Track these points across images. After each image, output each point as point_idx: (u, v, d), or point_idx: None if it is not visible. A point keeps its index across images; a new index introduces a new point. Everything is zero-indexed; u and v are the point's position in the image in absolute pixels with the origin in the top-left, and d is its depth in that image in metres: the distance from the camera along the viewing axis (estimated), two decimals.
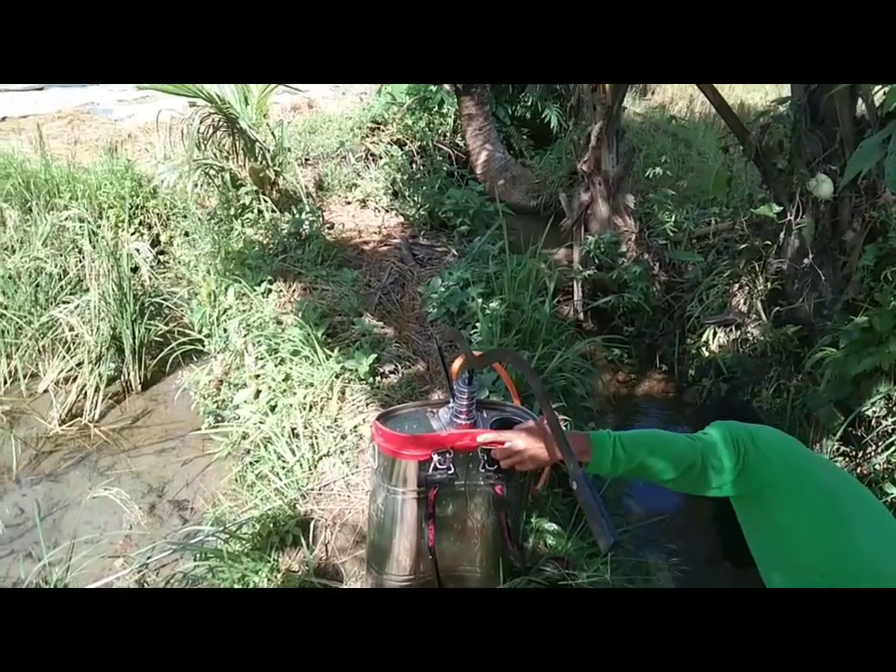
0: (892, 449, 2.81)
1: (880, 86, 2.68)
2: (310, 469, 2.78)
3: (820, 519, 1.20)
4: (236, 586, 2.21)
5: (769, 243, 3.82)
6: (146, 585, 2.44)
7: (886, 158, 1.62)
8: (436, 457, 1.61)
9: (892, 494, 2.70)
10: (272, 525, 2.43)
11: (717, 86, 3.94)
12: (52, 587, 2.33)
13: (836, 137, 3.28)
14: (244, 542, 2.43)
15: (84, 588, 2.40)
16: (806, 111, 3.41)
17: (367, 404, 3.07)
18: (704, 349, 3.96)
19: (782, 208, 3.58)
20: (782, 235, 3.68)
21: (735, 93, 9.66)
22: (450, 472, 1.63)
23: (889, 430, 2.89)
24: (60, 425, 3.44)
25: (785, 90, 3.61)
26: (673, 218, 4.73)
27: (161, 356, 3.82)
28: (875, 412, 2.92)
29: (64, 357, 3.68)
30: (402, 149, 6.31)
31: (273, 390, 3.17)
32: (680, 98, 9.33)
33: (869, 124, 3.11)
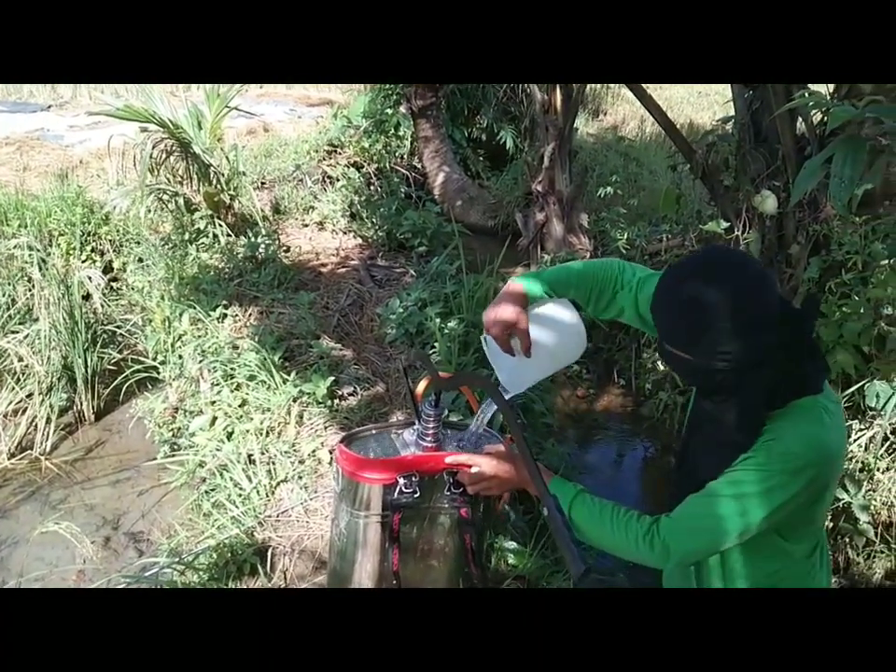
0: None
1: (817, 108, 2.78)
2: (267, 496, 2.75)
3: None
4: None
5: None
6: None
7: (830, 179, 1.66)
8: (402, 481, 1.58)
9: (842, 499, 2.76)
10: (229, 555, 2.40)
11: (665, 107, 4.05)
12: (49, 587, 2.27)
13: (779, 155, 3.39)
14: (200, 573, 2.38)
15: (79, 588, 2.35)
16: (750, 130, 3.53)
17: (325, 427, 3.04)
18: (660, 363, 4.02)
19: (729, 224, 3.68)
20: None
21: (684, 113, 9.92)
22: (416, 496, 1.61)
23: None
24: (9, 458, 3.34)
25: (731, 109, 3.72)
26: (626, 236, 4.82)
27: (114, 384, 3.74)
28: None
29: (13, 389, 3.57)
30: (359, 172, 6.32)
31: (230, 416, 3.13)
32: (632, 119, 9.54)
33: (809, 142, 3.22)
